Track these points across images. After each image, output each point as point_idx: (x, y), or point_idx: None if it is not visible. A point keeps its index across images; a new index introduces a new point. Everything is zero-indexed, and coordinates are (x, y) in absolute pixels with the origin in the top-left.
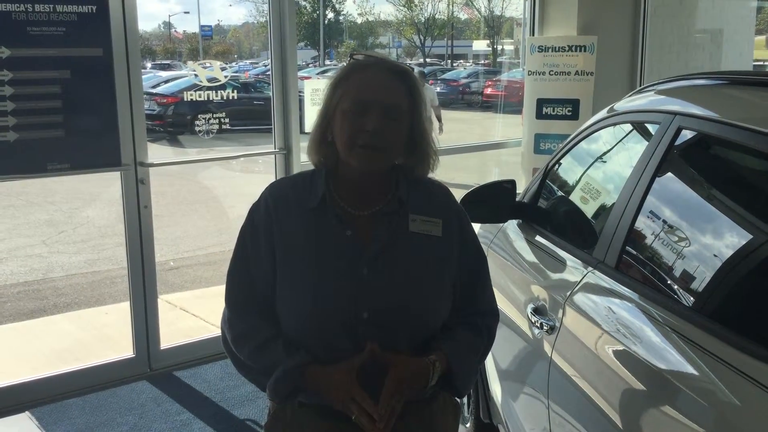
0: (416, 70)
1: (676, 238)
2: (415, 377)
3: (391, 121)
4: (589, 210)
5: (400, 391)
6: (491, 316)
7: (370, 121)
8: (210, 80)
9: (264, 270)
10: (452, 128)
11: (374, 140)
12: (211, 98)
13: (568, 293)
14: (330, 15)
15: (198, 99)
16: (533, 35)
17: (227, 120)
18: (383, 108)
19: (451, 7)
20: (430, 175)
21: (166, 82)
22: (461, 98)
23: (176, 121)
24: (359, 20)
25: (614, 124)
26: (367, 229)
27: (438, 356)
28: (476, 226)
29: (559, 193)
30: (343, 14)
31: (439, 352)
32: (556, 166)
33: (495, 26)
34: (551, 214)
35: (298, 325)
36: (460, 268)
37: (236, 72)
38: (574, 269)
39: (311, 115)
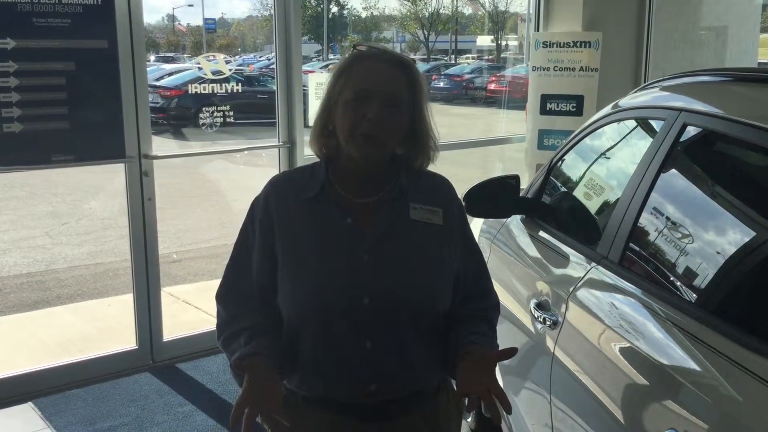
0: None
1: (680, 235)
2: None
3: (391, 111)
4: (592, 206)
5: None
6: (497, 309)
7: (371, 110)
8: (214, 73)
9: (261, 261)
10: (456, 123)
11: (374, 129)
12: (215, 91)
13: (572, 289)
14: (334, 9)
15: (202, 92)
16: (538, 31)
17: (231, 113)
18: (384, 97)
19: (455, 2)
20: (432, 167)
21: (170, 74)
22: (465, 93)
23: (180, 114)
24: (363, 14)
25: (619, 121)
26: (367, 216)
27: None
28: (480, 221)
29: (563, 188)
30: (348, 8)
31: (478, 347)
32: (560, 162)
33: (499, 21)
34: (555, 210)
35: (300, 312)
36: (464, 260)
37: (240, 65)
38: (577, 265)
39: (315, 108)
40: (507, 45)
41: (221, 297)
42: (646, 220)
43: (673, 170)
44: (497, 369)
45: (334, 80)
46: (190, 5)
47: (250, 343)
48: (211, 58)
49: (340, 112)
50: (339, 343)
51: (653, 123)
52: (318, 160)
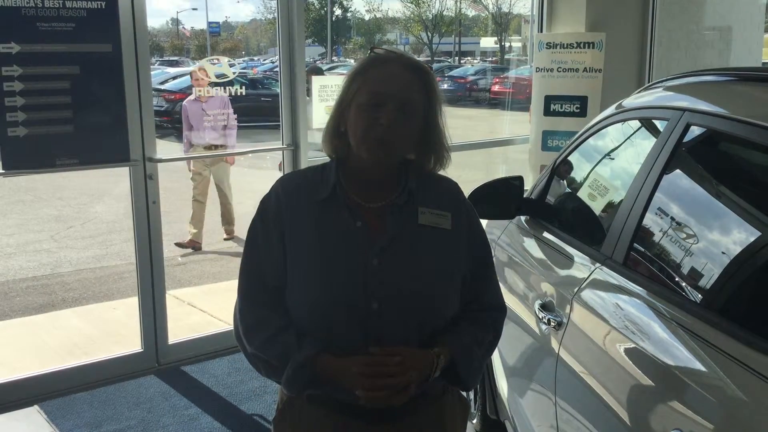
0: None
1: (684, 235)
2: (419, 365)
3: (405, 117)
4: (597, 206)
5: (404, 372)
6: (498, 310)
7: (385, 114)
8: (218, 76)
9: (274, 261)
10: (459, 125)
11: (387, 134)
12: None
13: (576, 289)
14: (338, 12)
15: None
16: (541, 32)
17: (235, 116)
18: (398, 102)
19: (458, 3)
20: (441, 172)
21: (174, 78)
22: (469, 95)
23: None
24: (367, 17)
25: (622, 121)
26: (377, 220)
27: (441, 349)
28: (483, 222)
29: (567, 189)
30: (351, 11)
31: (443, 346)
32: (564, 162)
33: (503, 23)
34: (559, 211)
35: (308, 315)
36: (469, 263)
37: (244, 68)
38: (581, 265)
39: (319, 111)
40: (510, 46)
41: (247, 297)
42: (650, 221)
43: (677, 170)
44: (502, 368)
45: (349, 82)
46: (194, 9)
47: (302, 344)
48: (215, 61)
49: (353, 114)
50: (346, 346)
51: (657, 123)
52: (328, 161)
